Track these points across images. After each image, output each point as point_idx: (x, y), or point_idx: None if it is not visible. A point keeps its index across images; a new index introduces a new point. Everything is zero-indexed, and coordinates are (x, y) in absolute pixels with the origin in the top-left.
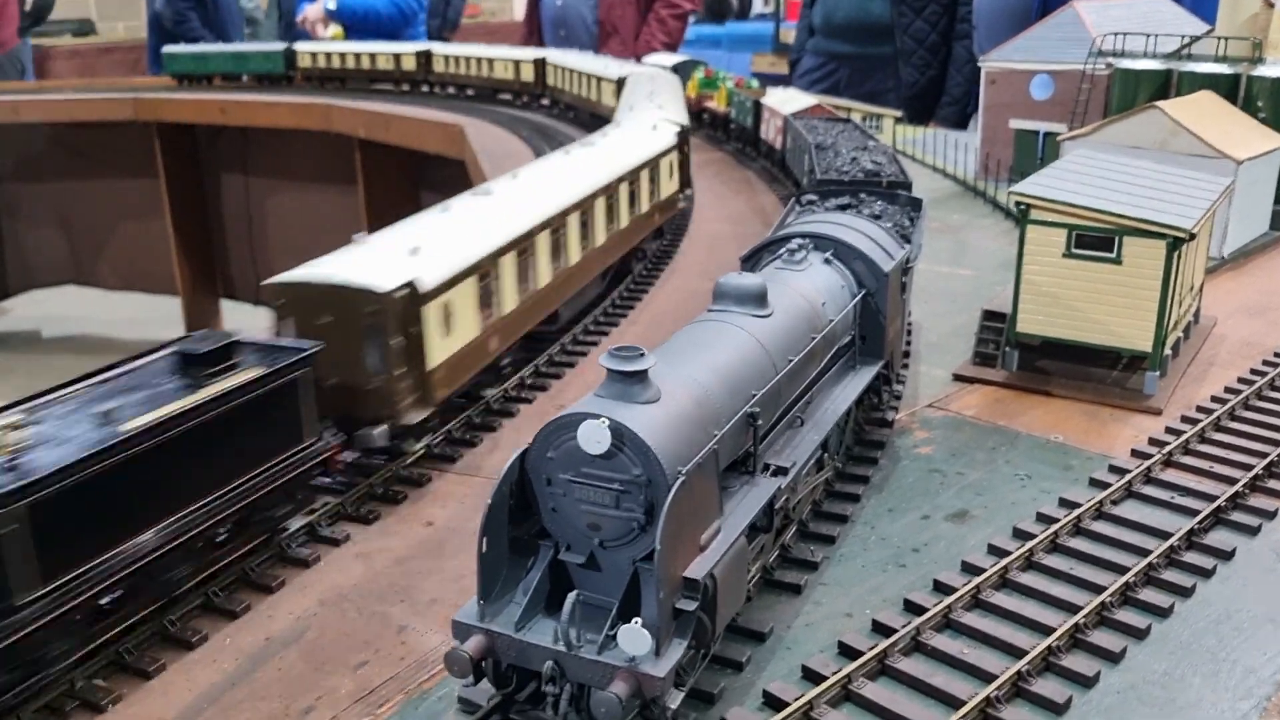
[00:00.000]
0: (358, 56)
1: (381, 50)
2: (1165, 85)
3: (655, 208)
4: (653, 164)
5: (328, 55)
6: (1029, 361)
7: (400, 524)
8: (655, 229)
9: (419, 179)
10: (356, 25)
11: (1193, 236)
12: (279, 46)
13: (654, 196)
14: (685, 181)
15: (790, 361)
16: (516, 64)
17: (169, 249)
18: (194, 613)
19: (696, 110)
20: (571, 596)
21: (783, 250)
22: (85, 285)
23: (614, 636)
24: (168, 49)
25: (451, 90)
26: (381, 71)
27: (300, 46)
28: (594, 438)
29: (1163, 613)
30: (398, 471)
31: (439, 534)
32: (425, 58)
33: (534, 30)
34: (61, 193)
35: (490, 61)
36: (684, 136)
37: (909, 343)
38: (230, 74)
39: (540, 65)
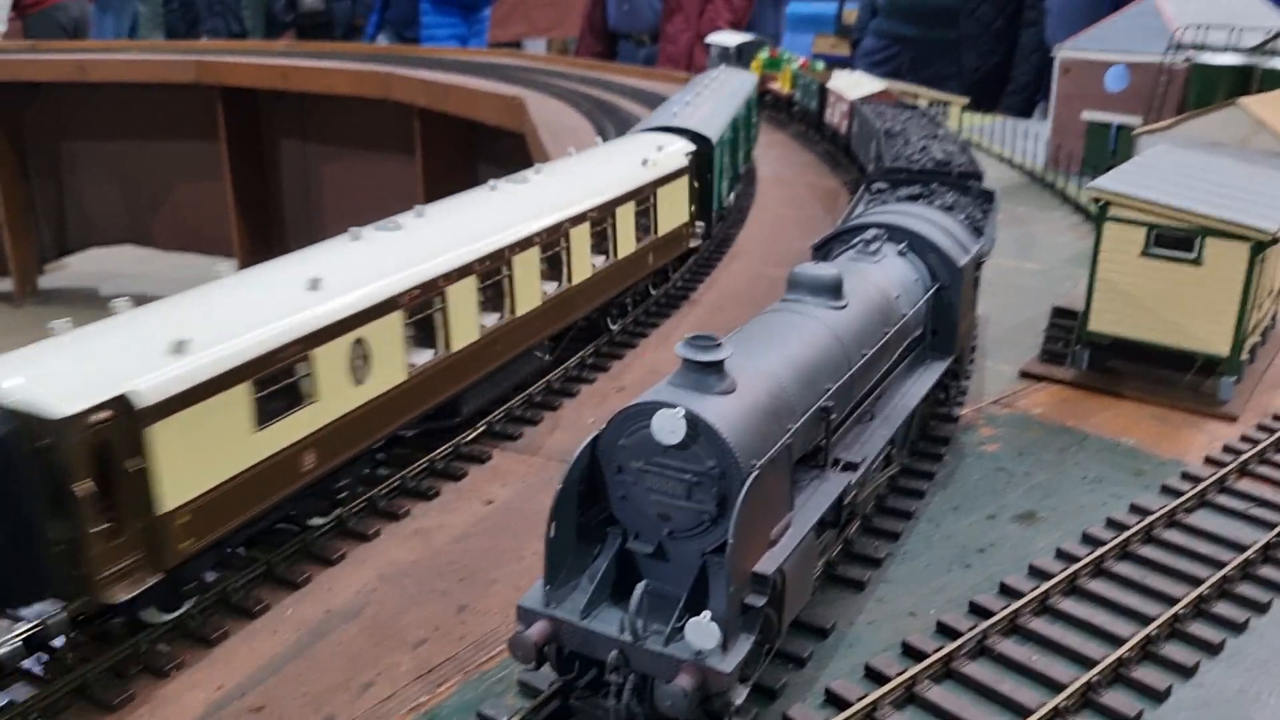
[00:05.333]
0: None
1: None
2: (1246, 81)
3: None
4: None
5: None
6: (1099, 361)
7: (460, 501)
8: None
9: (477, 150)
10: None
11: (1276, 240)
12: None
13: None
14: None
15: (864, 355)
16: None
17: (227, 211)
18: (256, 581)
19: (760, 91)
20: (640, 587)
21: (857, 240)
22: (142, 245)
23: (681, 629)
24: None
25: None
26: None
27: None
28: (668, 427)
29: (1237, 628)
30: (459, 447)
31: (499, 513)
32: None
33: (598, 3)
34: (123, 152)
35: None
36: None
37: (975, 334)
38: None
39: None
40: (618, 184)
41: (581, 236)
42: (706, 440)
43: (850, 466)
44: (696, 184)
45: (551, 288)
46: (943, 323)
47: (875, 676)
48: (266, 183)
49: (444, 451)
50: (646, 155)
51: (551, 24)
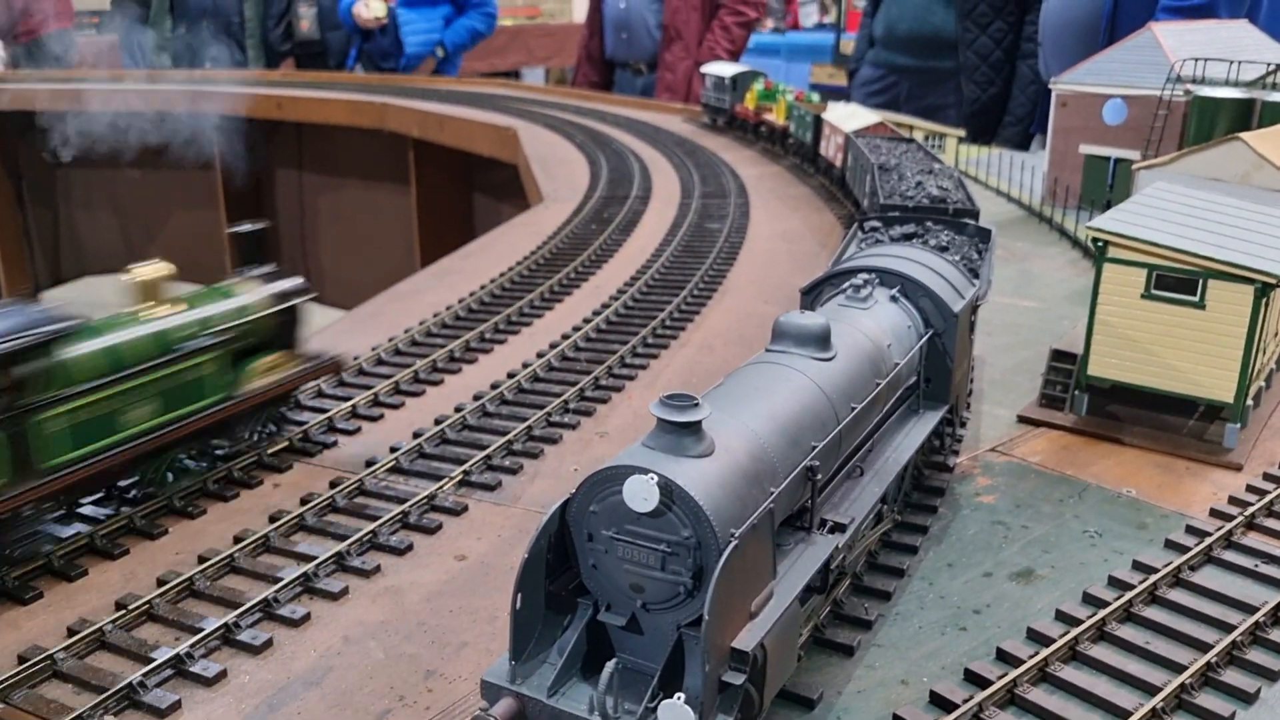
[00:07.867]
0: None
1: None
2: (1247, 115)
3: None
4: None
5: None
6: (1099, 406)
7: (432, 555)
8: None
9: (472, 181)
10: None
11: None
12: None
13: None
14: None
15: (853, 410)
16: None
17: (221, 241)
18: (215, 645)
19: (755, 122)
20: (610, 665)
21: (847, 285)
22: None
23: (654, 709)
24: None
25: None
26: None
27: None
28: (641, 494)
29: (1247, 698)
30: (434, 498)
31: (472, 569)
32: None
33: (595, 32)
34: (117, 181)
35: None
36: None
37: (971, 379)
38: None
39: None
40: None
41: None
42: (681, 508)
43: (838, 528)
44: None
45: None
46: (936, 371)
47: None
48: (261, 212)
49: (419, 501)
50: None
51: (550, 53)
